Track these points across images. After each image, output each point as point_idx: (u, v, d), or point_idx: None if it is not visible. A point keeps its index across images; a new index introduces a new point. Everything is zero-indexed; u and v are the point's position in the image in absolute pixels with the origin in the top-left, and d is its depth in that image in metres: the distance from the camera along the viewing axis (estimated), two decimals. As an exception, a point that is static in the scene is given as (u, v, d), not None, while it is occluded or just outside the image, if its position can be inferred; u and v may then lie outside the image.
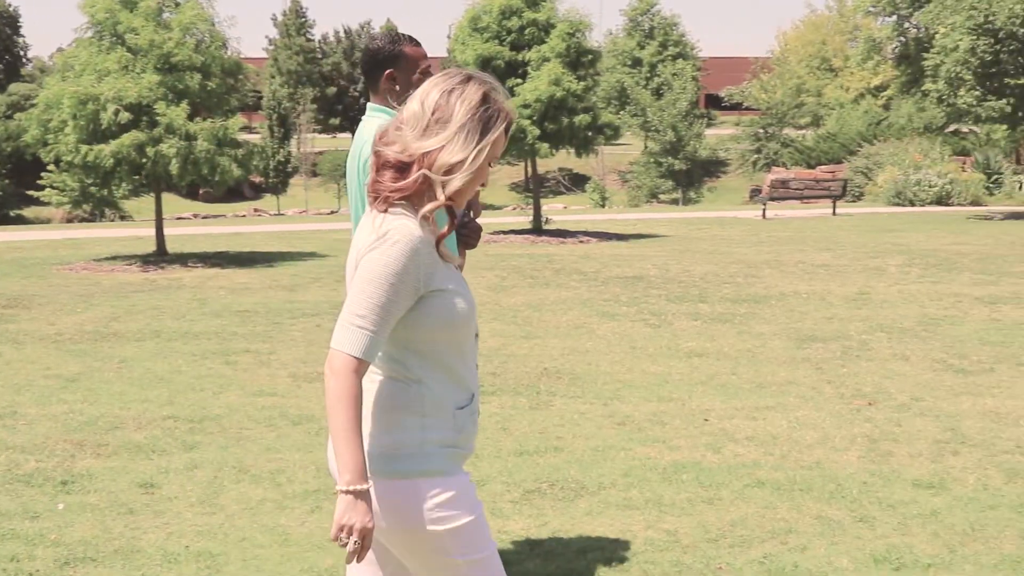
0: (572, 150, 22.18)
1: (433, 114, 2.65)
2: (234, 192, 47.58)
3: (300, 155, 52.77)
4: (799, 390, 8.09)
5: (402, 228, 2.61)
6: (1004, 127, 30.37)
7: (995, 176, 34.13)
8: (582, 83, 21.03)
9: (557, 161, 40.53)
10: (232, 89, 17.43)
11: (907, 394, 7.90)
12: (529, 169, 24.24)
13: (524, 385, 8.31)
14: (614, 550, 5.00)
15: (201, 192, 45.76)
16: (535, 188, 23.74)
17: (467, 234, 4.90)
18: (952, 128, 38.37)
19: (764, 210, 28.66)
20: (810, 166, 43.02)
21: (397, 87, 4.27)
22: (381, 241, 2.61)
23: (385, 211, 2.66)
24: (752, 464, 6.29)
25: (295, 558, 4.96)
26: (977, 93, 25.12)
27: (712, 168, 54.71)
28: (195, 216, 42.49)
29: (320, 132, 61.28)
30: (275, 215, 43.21)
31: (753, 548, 5.01)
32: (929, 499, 5.65)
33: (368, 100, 4.41)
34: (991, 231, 22.04)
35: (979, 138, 39.73)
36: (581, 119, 20.78)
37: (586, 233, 21.88)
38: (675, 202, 47.90)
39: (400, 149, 2.65)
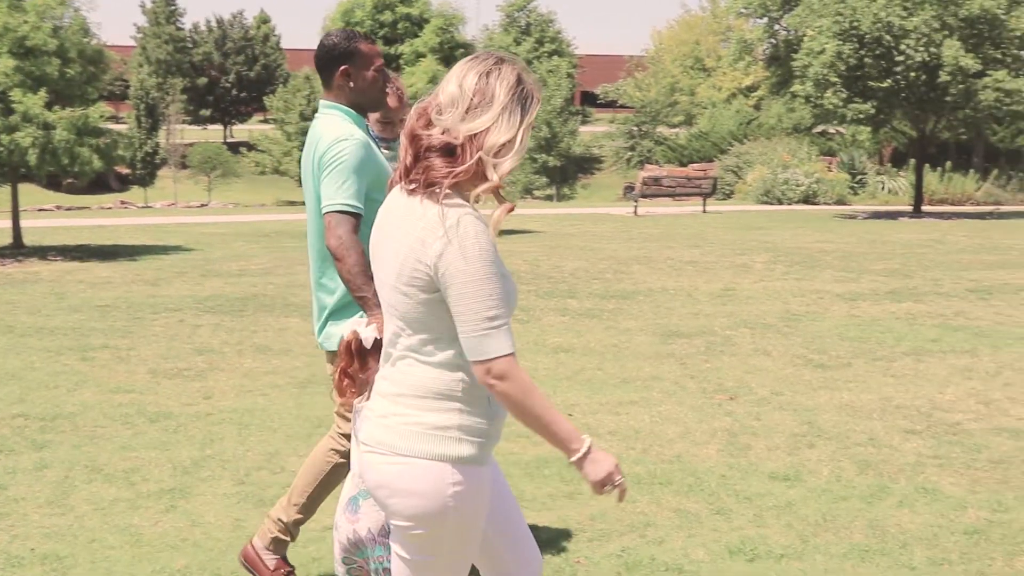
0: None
1: (474, 96, 2.66)
2: (99, 183, 46.26)
3: (169, 146, 51.62)
4: (663, 385, 8.18)
5: (470, 218, 2.63)
6: (868, 129, 31.23)
7: (859, 176, 35.03)
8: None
9: (432, 156, 40.64)
10: (94, 77, 16.94)
11: (767, 388, 8.04)
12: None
13: (390, 380, 8.23)
14: (473, 546, 4.98)
15: (65, 183, 44.45)
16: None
17: None
18: (819, 129, 39.31)
19: (636, 207, 28.98)
20: (682, 164, 43.67)
21: (351, 84, 4.29)
22: (461, 238, 2.61)
23: (439, 202, 2.64)
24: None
25: (147, 559, 4.82)
26: (843, 95, 25.78)
27: (586, 165, 55.14)
28: (58, 208, 41.21)
29: (190, 123, 60.06)
30: (142, 207, 42.19)
31: (612, 542, 5.04)
32: (784, 491, 5.75)
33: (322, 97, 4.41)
34: (854, 230, 22.62)
35: (844, 139, 40.78)
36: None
37: (459, 228, 21.82)
38: (549, 198, 48.16)
39: (440, 132, 2.66)
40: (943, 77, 24.60)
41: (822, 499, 5.65)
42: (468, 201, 2.70)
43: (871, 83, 25.60)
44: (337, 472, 4.42)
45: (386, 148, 4.81)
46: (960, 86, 24.63)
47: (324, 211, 4.11)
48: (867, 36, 25.29)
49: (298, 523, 4.50)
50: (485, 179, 2.69)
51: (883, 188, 34.26)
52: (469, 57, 2.76)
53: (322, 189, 4.14)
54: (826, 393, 7.87)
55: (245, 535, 5.05)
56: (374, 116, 4.83)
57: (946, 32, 24.89)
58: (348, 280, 4.03)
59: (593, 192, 51.92)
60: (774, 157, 35.00)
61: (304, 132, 45.55)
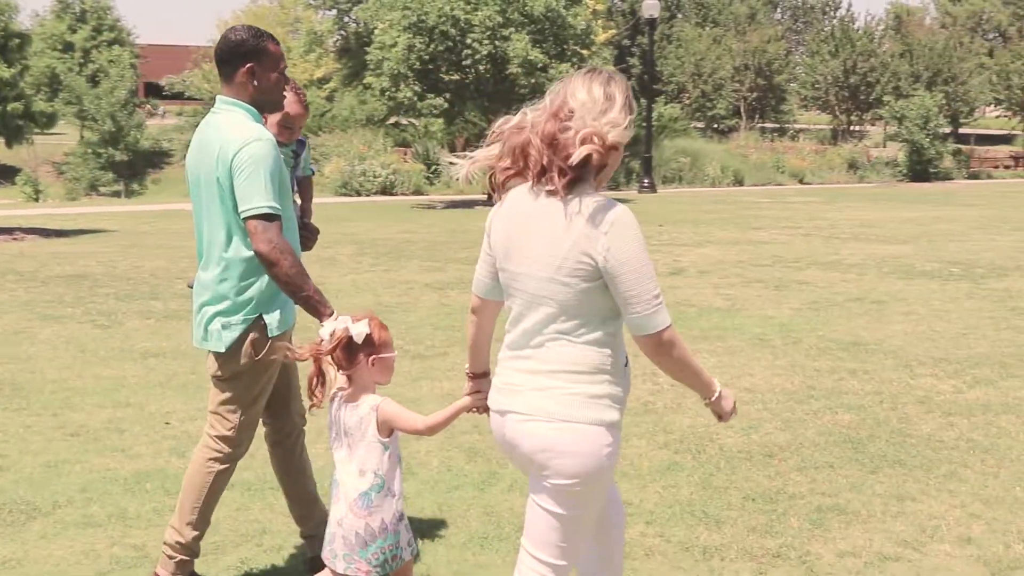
0: (2, 140, 20.62)
1: (603, 100, 3.05)
2: None
3: None
4: (262, 385, 7.93)
5: (619, 209, 3.01)
6: (441, 120, 32.05)
7: (434, 166, 35.89)
8: (11, 69, 19.56)
9: (-16, 152, 37.63)
10: None
11: (369, 382, 7.98)
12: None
13: (-41, 399, 7.49)
14: (77, 573, 4.57)
15: None
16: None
17: (307, 236, 4.94)
18: (393, 120, 39.93)
19: (213, 202, 28.23)
20: (257, 157, 43.04)
21: (255, 83, 4.20)
22: (623, 229, 2.99)
23: (578, 196, 3.02)
24: (220, 466, 6.04)
25: None
26: (417, 88, 26.24)
27: (156, 159, 53.13)
28: None
29: None
30: None
31: (228, 554, 4.80)
32: (399, 486, 5.70)
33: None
34: (435, 219, 23.15)
35: (418, 130, 41.65)
36: (13, 107, 19.34)
37: (21, 229, 20.35)
38: (117, 194, 46.00)
39: (575, 132, 3.00)
40: (512, 70, 25.67)
41: (436, 490, 5.67)
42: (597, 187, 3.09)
43: (443, 76, 26.25)
44: (221, 478, 4.35)
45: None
46: (531, 80, 25.81)
47: (246, 215, 4.00)
48: (435, 30, 25.92)
49: (197, 539, 4.36)
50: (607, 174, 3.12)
51: (456, 179, 35.21)
52: (585, 71, 3.17)
53: (239, 192, 4.01)
54: (427, 383, 7.93)
55: None
56: (273, 119, 4.69)
57: (513, 28, 25.98)
58: (288, 282, 4.01)
59: (164, 187, 50.03)
60: (350, 149, 35.17)
61: None
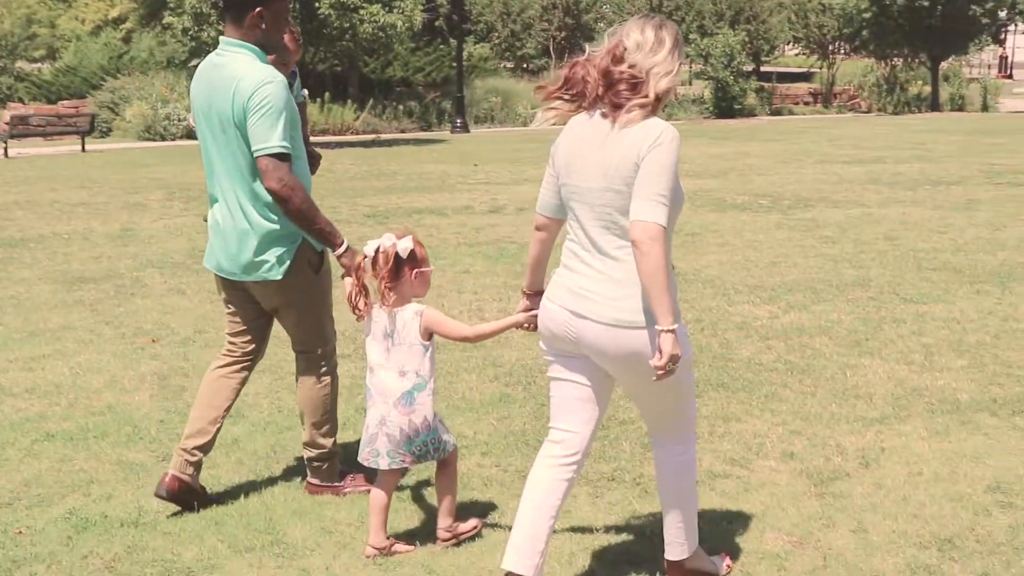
0: None
1: (655, 41, 3.48)
2: None
3: None
4: (77, 334, 7.66)
5: (669, 127, 3.43)
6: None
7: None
8: None
9: None
10: None
11: (190, 327, 7.81)
12: None
13: None
14: None
15: None
16: None
17: (310, 163, 5.02)
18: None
19: (6, 149, 26.91)
20: (51, 101, 41.03)
21: (263, 26, 4.33)
22: (665, 140, 3.40)
23: (644, 118, 3.45)
24: (38, 417, 5.82)
25: None
26: (221, 29, 25.41)
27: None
28: None
29: None
30: None
31: (54, 506, 4.64)
32: (229, 428, 5.58)
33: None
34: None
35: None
36: None
37: None
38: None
39: (629, 66, 3.48)
40: (323, 10, 25.14)
41: (268, 431, 5.61)
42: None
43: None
44: (334, 383, 4.71)
45: None
46: (343, 21, 25.31)
47: (259, 153, 4.21)
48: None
49: (335, 442, 4.75)
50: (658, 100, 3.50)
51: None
52: (640, 16, 3.60)
53: (251, 131, 4.21)
54: (251, 326, 7.76)
55: None
56: (271, 56, 4.75)
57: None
58: (300, 217, 4.27)
59: (-47, 135, 47.55)
60: (152, 92, 33.94)
61: None
